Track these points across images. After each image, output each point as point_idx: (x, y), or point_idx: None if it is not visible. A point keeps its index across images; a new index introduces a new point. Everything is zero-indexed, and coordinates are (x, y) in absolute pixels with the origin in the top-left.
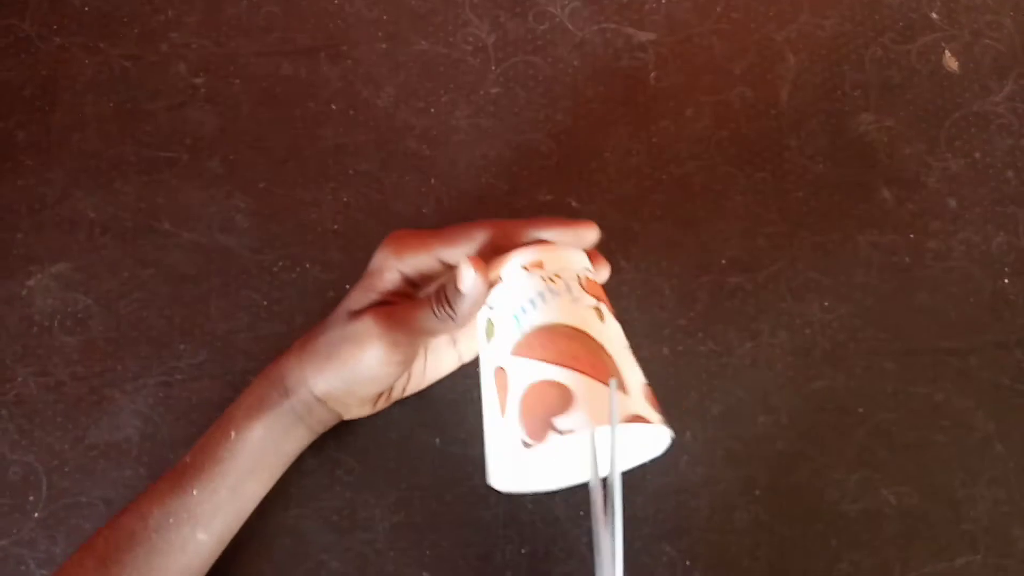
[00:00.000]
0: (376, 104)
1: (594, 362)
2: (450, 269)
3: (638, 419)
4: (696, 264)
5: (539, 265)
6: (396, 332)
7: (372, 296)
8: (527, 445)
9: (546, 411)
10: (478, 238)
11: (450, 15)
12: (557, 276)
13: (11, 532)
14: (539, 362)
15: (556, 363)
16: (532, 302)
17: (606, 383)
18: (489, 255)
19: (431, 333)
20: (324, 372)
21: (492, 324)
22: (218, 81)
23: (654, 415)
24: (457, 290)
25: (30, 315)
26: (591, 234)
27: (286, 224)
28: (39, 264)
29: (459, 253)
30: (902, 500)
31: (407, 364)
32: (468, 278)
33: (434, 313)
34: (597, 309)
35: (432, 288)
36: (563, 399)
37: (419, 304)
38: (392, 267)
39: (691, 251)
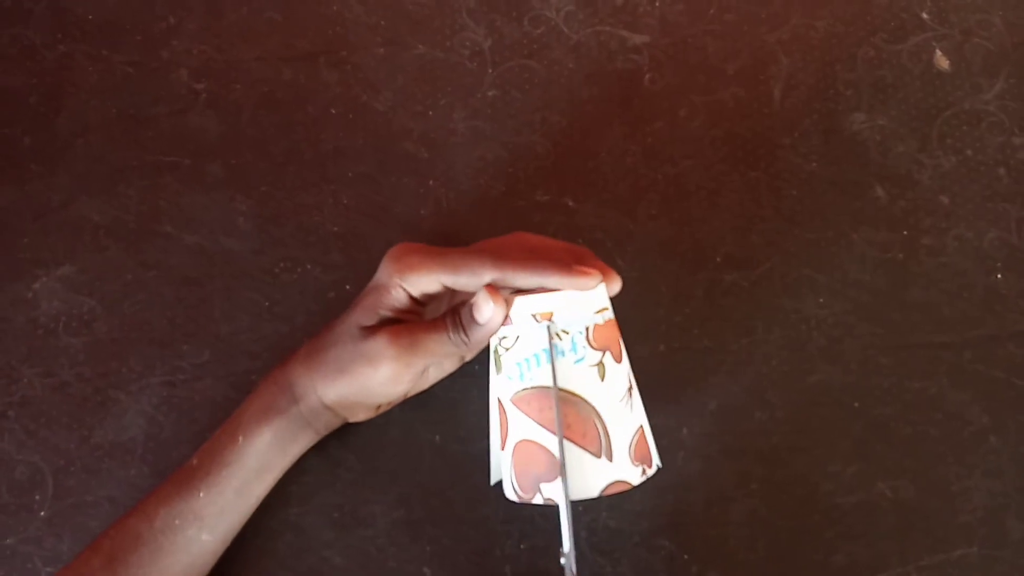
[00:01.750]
0: (375, 108)
1: (585, 430)
2: (452, 293)
3: (619, 485)
4: (691, 262)
5: (549, 316)
6: (410, 355)
7: (382, 313)
8: (518, 496)
9: (535, 473)
10: (483, 276)
11: (447, 20)
12: (565, 332)
13: (18, 530)
14: (534, 422)
15: (549, 428)
16: (537, 358)
17: (594, 452)
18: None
19: (444, 356)
20: (335, 384)
21: (499, 358)
22: (219, 87)
23: (634, 474)
24: (473, 319)
25: (36, 317)
26: (592, 283)
27: (287, 226)
28: (45, 267)
29: (461, 282)
30: (898, 493)
31: (416, 379)
32: (487, 311)
33: (451, 339)
34: (600, 364)
35: (442, 308)
36: (551, 466)
37: (434, 328)
38: (396, 285)
39: (686, 249)
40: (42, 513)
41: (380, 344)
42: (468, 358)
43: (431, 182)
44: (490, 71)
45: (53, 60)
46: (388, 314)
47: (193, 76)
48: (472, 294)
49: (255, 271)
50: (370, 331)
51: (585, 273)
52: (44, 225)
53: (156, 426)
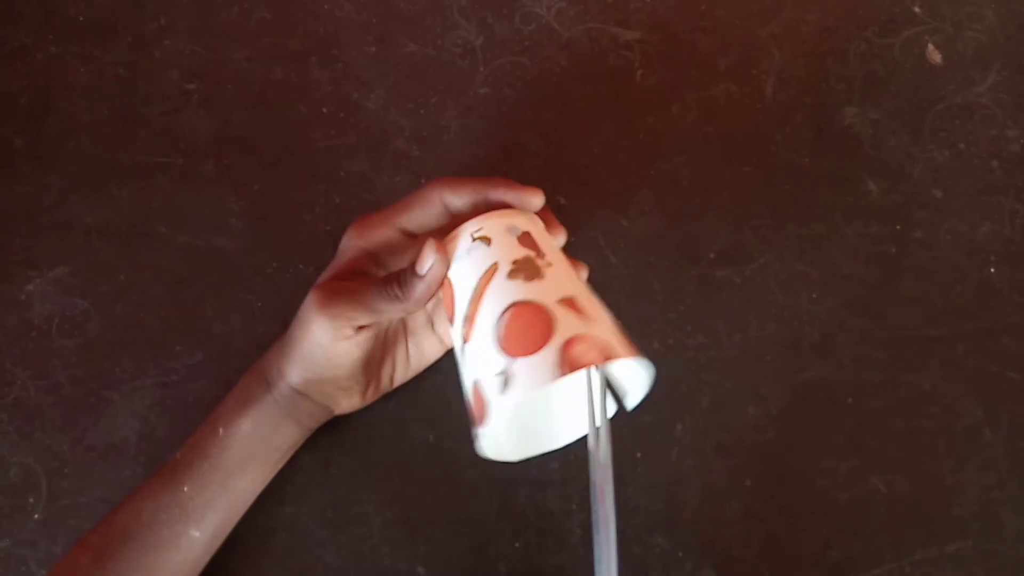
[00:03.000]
0: (366, 106)
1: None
2: (412, 238)
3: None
4: (684, 258)
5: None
6: (336, 304)
7: (329, 275)
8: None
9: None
10: (432, 200)
11: (438, 18)
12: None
13: (12, 533)
14: None
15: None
16: None
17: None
18: (449, 227)
19: (377, 311)
20: (291, 361)
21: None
22: (211, 86)
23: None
24: (413, 272)
25: (29, 319)
26: (535, 200)
27: (279, 226)
28: (37, 269)
29: (416, 217)
30: (892, 487)
31: (364, 344)
32: (428, 261)
33: (382, 292)
34: (492, 270)
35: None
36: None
37: (368, 281)
38: (355, 246)
39: (679, 245)
40: (36, 515)
41: (308, 300)
42: (448, 343)
43: (423, 180)
44: (481, 69)
45: (44, 61)
46: (334, 275)
47: (184, 76)
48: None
49: (247, 271)
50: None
51: (526, 188)
52: (36, 226)
53: (149, 427)
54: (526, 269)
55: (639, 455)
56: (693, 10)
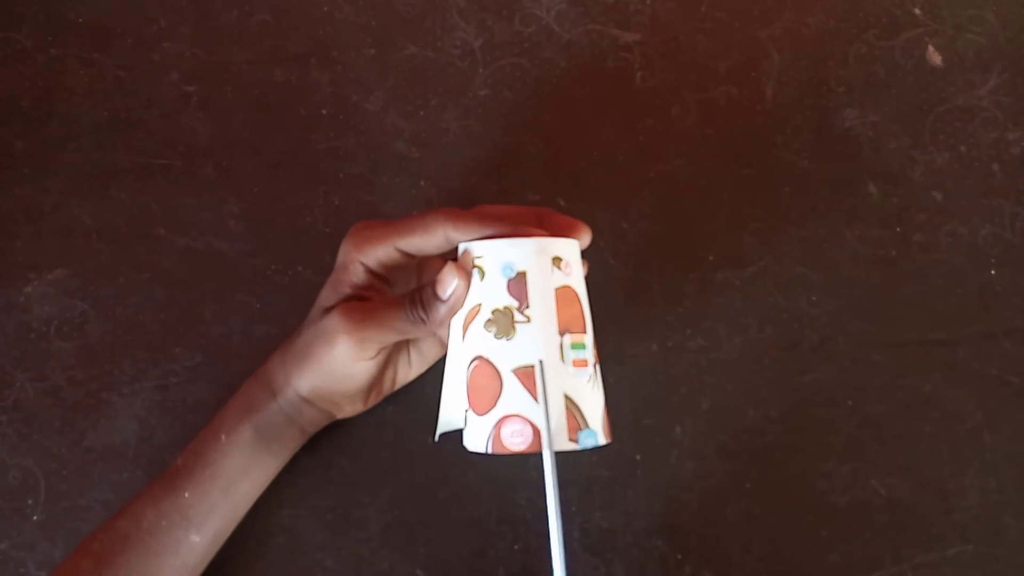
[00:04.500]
0: (366, 108)
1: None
2: (410, 258)
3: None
4: (684, 261)
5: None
6: (365, 329)
7: (343, 291)
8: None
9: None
10: (435, 231)
11: (437, 20)
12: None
13: (11, 535)
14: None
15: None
16: None
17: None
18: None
19: (403, 334)
20: (303, 371)
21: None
22: (211, 89)
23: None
24: (435, 295)
25: (28, 321)
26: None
27: (279, 228)
28: (37, 271)
29: (416, 243)
30: (892, 491)
31: (382, 360)
32: (450, 285)
33: (407, 315)
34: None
35: (411, 284)
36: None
37: (392, 304)
38: (355, 260)
39: (679, 248)
40: (35, 517)
41: (334, 320)
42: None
43: (423, 182)
44: (481, 71)
45: (44, 64)
46: (349, 291)
47: (184, 78)
48: (434, 260)
49: (247, 273)
50: (328, 310)
51: (534, 234)
52: (36, 229)
53: (148, 429)
54: (500, 324)
55: (638, 458)
56: (693, 12)
